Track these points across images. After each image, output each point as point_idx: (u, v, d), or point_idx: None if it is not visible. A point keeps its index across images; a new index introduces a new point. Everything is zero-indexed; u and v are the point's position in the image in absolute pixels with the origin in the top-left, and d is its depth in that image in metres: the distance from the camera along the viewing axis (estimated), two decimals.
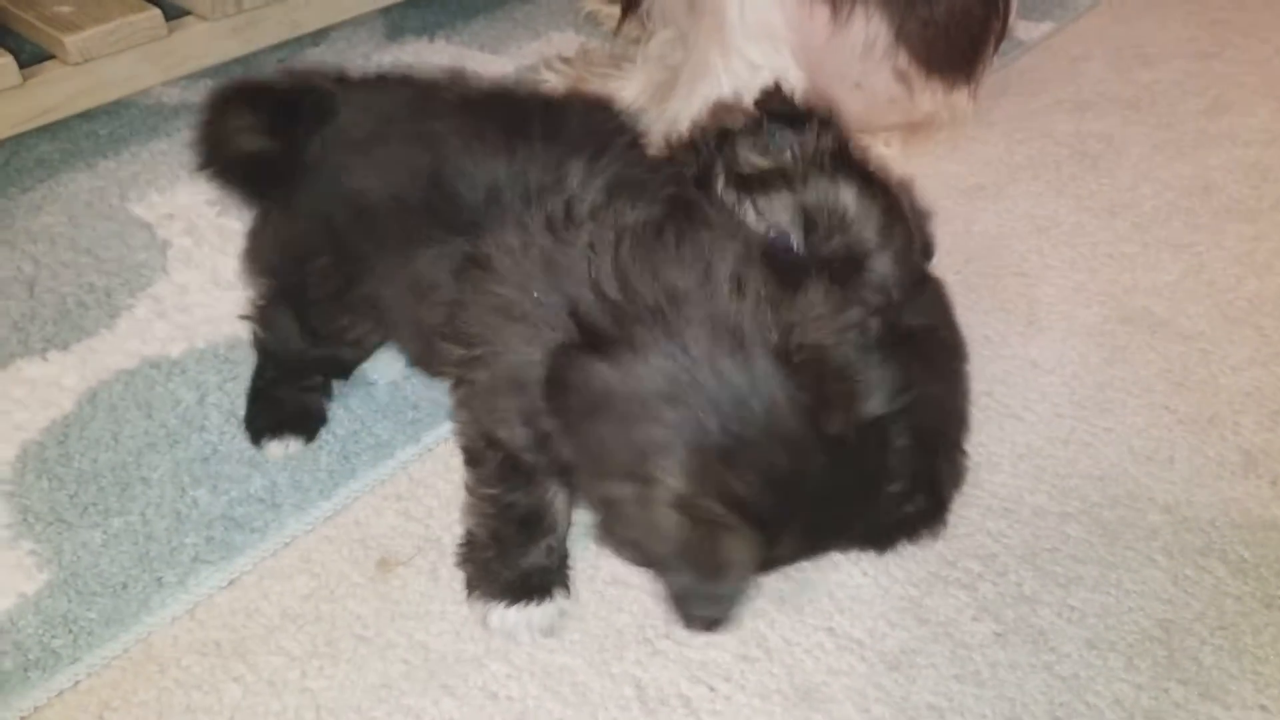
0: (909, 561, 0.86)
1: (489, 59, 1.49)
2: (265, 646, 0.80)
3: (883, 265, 0.73)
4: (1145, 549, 0.87)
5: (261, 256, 0.90)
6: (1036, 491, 0.92)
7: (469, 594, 0.81)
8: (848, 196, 0.75)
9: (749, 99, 1.13)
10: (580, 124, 0.78)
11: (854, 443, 0.61)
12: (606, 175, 0.72)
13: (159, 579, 0.84)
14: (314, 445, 0.94)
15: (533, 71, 1.46)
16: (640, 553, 0.65)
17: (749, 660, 0.79)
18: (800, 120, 0.77)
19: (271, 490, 0.91)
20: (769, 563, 0.65)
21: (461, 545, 0.82)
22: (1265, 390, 1.02)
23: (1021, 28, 1.60)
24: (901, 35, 1.09)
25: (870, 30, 1.10)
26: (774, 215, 0.75)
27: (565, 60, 1.45)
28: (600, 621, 0.82)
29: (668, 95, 1.26)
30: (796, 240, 0.73)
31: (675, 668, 0.79)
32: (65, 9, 1.20)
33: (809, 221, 0.73)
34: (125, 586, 0.83)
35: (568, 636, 0.81)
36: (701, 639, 0.80)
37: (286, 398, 0.95)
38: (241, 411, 0.96)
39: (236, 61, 1.37)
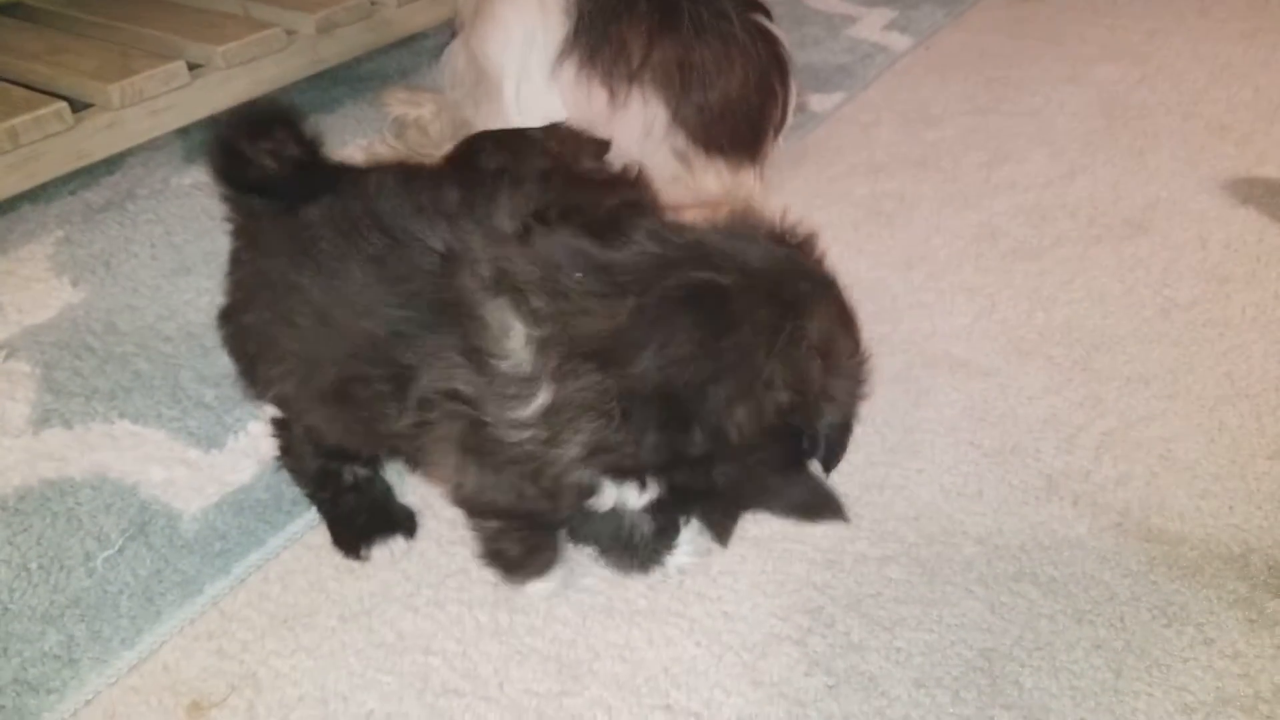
0: (740, 624, 0.86)
1: None
2: None
3: None
4: (962, 581, 0.90)
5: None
6: (857, 539, 0.94)
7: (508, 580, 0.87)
8: None
9: None
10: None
11: None
12: None
13: None
14: (113, 590, 0.88)
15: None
16: None
17: None
18: None
19: (68, 645, 0.84)
20: None
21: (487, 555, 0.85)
22: (1060, 416, 1.07)
23: (815, 100, 1.70)
24: (678, 118, 1.15)
25: (648, 113, 1.14)
26: None
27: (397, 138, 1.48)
28: None
29: None
30: None
31: None
32: None
33: None
34: None
35: None
36: None
37: (358, 506, 0.93)
38: (32, 564, 0.90)
39: (21, 196, 1.32)
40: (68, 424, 1.05)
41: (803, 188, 1.48)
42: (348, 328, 0.74)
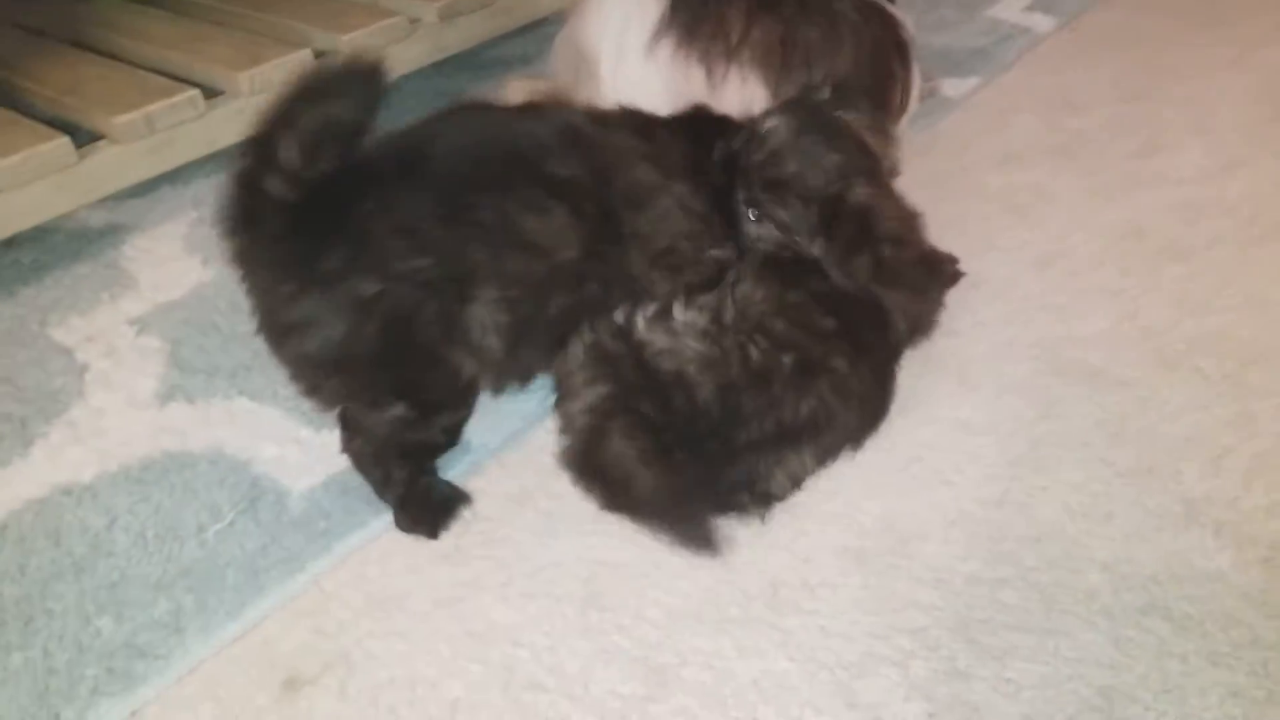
0: (837, 641, 0.82)
1: None
2: None
3: None
4: (1084, 612, 0.83)
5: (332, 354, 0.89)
6: (969, 559, 0.88)
7: None
8: None
9: None
10: None
11: None
12: None
13: (57, 715, 0.80)
14: (221, 562, 0.91)
15: None
16: None
17: None
18: None
19: (176, 614, 0.87)
20: None
21: None
22: (1206, 435, 0.98)
23: (948, 85, 1.61)
24: (779, 98, 1.10)
25: (746, 93, 1.10)
26: None
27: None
28: None
29: None
30: None
31: None
32: None
33: None
34: None
35: None
36: None
37: (425, 488, 0.96)
38: (150, 533, 0.94)
39: (161, 178, 1.38)
40: (190, 399, 1.09)
41: (929, 178, 1.40)
42: None
